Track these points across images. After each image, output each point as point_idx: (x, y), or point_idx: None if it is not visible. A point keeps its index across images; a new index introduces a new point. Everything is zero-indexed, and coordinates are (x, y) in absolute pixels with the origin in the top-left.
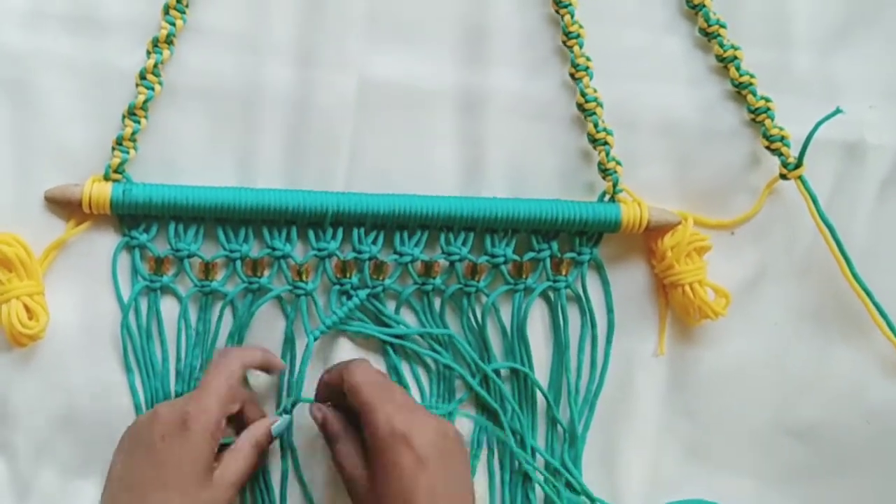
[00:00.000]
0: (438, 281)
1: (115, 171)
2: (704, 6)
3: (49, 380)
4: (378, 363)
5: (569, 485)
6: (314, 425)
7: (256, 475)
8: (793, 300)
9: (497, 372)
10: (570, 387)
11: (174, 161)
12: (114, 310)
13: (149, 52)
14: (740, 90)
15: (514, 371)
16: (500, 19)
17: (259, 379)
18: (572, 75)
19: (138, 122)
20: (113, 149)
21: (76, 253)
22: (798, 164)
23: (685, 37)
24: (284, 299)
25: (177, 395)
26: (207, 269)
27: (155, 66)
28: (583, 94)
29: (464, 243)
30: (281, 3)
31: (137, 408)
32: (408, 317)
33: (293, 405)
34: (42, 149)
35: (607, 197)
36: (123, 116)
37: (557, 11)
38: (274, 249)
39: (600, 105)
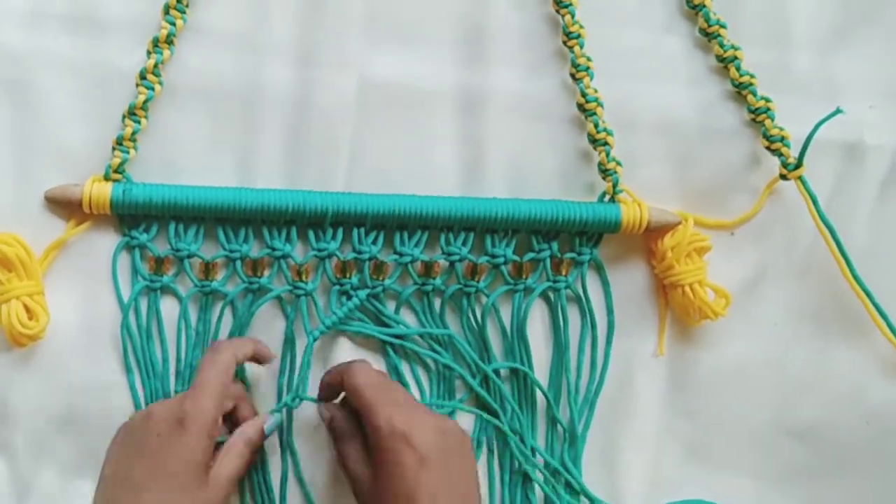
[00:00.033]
0: (438, 281)
1: (116, 171)
2: (705, 6)
3: (49, 380)
4: (378, 363)
5: (568, 485)
6: (314, 426)
7: (256, 475)
8: (793, 300)
9: (497, 372)
10: (570, 387)
11: (174, 161)
12: (114, 310)
13: (149, 53)
14: (740, 90)
15: (513, 371)
16: (500, 19)
17: (252, 370)
18: (573, 75)
19: (138, 122)
20: (113, 149)
21: (76, 253)
22: (798, 165)
23: (685, 37)
24: (284, 299)
25: (176, 395)
26: (207, 269)
27: (155, 66)
28: (583, 95)
29: (464, 243)
30: (281, 3)
31: (137, 408)
32: (408, 317)
33: (294, 401)
34: (42, 149)
35: (607, 197)
36: (123, 116)
37: (558, 11)
38: (274, 249)
39: (601, 105)
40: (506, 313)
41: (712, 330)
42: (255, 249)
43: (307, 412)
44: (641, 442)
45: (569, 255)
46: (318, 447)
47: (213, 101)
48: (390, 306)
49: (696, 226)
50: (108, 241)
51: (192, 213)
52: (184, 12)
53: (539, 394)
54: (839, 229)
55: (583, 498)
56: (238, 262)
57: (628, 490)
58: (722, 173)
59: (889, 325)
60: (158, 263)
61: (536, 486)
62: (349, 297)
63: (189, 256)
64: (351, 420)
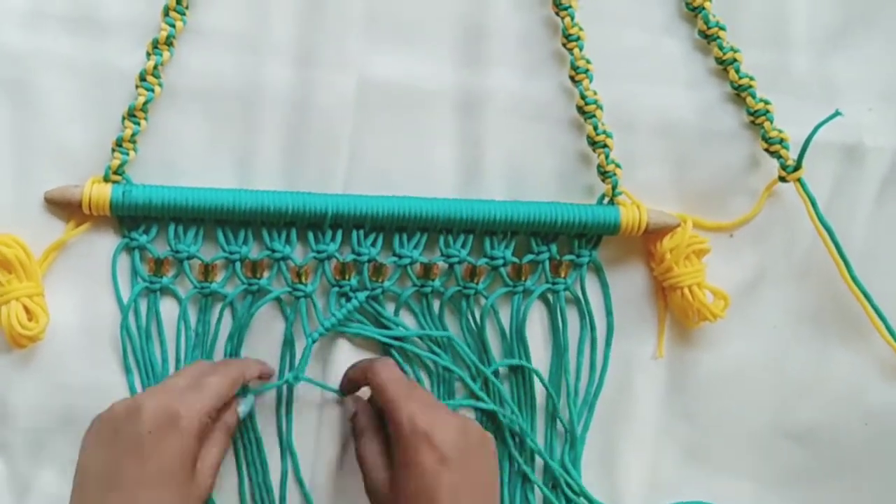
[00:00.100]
0: (437, 283)
1: (115, 173)
2: (704, 9)
3: (49, 380)
4: None
5: (568, 486)
6: (312, 426)
7: (256, 476)
8: (792, 303)
9: (496, 374)
10: (570, 389)
11: (174, 162)
12: (113, 311)
13: (149, 54)
14: (739, 92)
15: (513, 372)
16: (500, 20)
17: None
18: (572, 78)
19: (138, 124)
20: (113, 150)
21: (76, 254)
22: (797, 167)
23: (684, 39)
24: (284, 301)
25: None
26: (207, 270)
27: (155, 67)
28: (582, 97)
29: (463, 245)
30: (281, 3)
31: None
32: (407, 319)
33: (295, 379)
34: (42, 149)
35: (606, 199)
36: (123, 118)
37: (557, 13)
38: (273, 251)
39: (600, 108)
40: (505, 315)
41: (711, 332)
42: (254, 251)
43: (307, 412)
44: (640, 444)
45: (568, 257)
46: (318, 448)
47: (212, 102)
48: (389, 308)
49: (694, 228)
50: (107, 242)
51: (191, 215)
52: (183, 14)
53: (538, 395)
54: (838, 231)
55: (582, 500)
56: (237, 264)
57: (627, 492)
58: (721, 175)
59: (888, 327)
60: (158, 265)
61: (536, 488)
62: (348, 299)
63: (189, 258)
64: (373, 418)
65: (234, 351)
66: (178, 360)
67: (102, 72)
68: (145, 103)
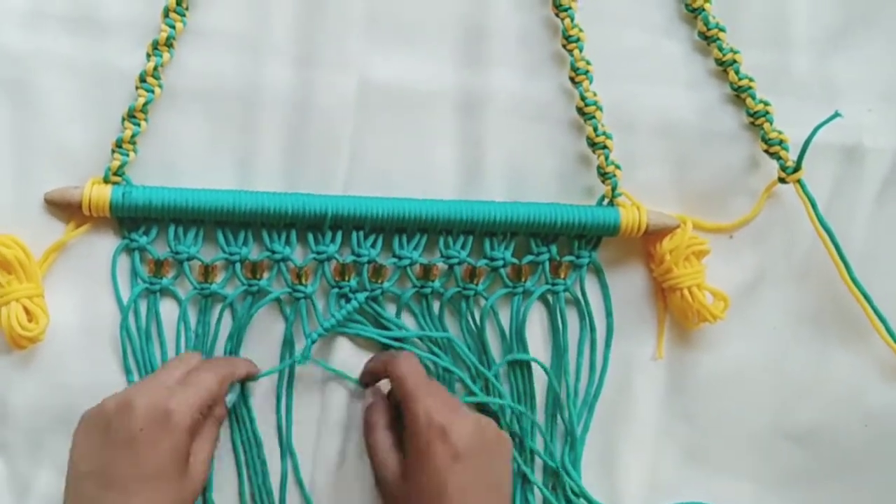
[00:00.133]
0: (437, 284)
1: (115, 174)
2: (704, 10)
3: (49, 381)
4: None
5: (568, 487)
6: (312, 426)
7: (255, 477)
8: (791, 304)
9: (496, 374)
10: (569, 390)
11: (174, 163)
12: (113, 312)
13: (148, 55)
14: (739, 94)
15: (513, 374)
16: (500, 20)
17: None
18: (572, 79)
19: (138, 125)
20: (113, 151)
21: (76, 255)
22: (797, 168)
23: (684, 40)
24: (284, 302)
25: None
26: (207, 271)
27: (155, 68)
28: (582, 98)
29: (462, 247)
30: (281, 4)
31: None
32: (407, 320)
33: (302, 360)
34: (42, 150)
35: (606, 201)
36: (123, 119)
37: (557, 14)
38: (273, 252)
39: (600, 109)
40: (505, 316)
41: (711, 333)
42: (254, 252)
43: (307, 412)
44: (640, 445)
45: (567, 258)
46: (318, 448)
47: (212, 103)
48: (389, 309)
49: (694, 229)
50: (107, 243)
51: (191, 216)
52: (183, 15)
53: (538, 396)
54: (838, 233)
55: (582, 500)
56: (237, 265)
57: (627, 493)
58: (721, 176)
59: (887, 328)
60: (158, 266)
61: (535, 488)
62: (348, 300)
63: (188, 259)
64: (388, 411)
65: (233, 351)
66: None
67: (102, 72)
68: (145, 104)
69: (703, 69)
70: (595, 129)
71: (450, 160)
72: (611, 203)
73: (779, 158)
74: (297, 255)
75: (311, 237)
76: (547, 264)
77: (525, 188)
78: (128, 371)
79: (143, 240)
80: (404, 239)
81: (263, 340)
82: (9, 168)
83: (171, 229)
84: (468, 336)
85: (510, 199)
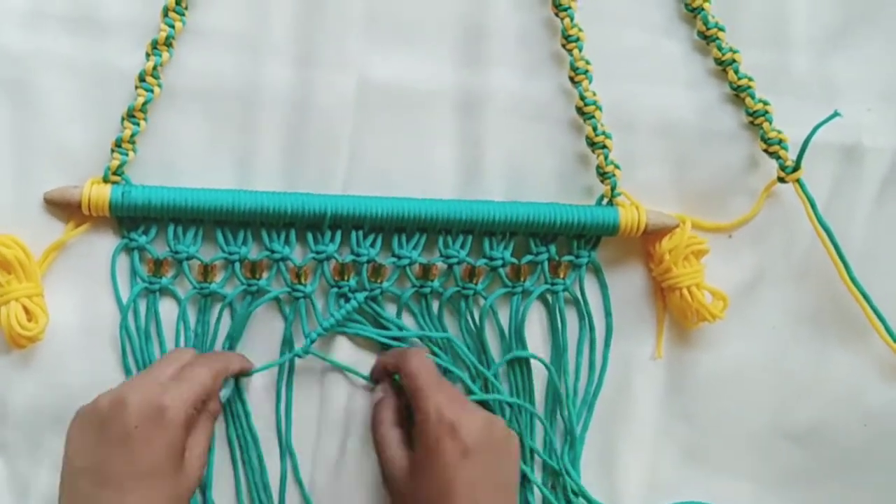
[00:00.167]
0: (436, 284)
1: (115, 174)
2: (703, 9)
3: (48, 380)
4: None
5: (567, 487)
6: (311, 426)
7: (254, 476)
8: (790, 303)
9: (495, 374)
10: (569, 390)
11: (173, 163)
12: (113, 311)
13: (148, 55)
14: (739, 93)
15: (512, 373)
16: (500, 20)
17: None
18: (571, 79)
19: (137, 125)
20: (112, 151)
21: (75, 254)
22: (796, 168)
23: (684, 40)
24: (283, 301)
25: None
26: (206, 271)
27: (154, 68)
28: (582, 98)
29: (462, 246)
30: (280, 3)
31: None
32: (406, 319)
33: (305, 354)
34: (42, 149)
35: (605, 200)
36: (123, 119)
37: (557, 14)
38: (273, 252)
39: (599, 109)
40: (504, 316)
41: (710, 333)
42: (253, 251)
43: (306, 412)
44: (639, 444)
45: (567, 257)
46: (317, 448)
47: (212, 102)
48: (388, 309)
49: (693, 228)
50: (107, 242)
51: (191, 216)
52: (183, 14)
53: (537, 395)
54: (837, 232)
55: (581, 500)
56: (237, 264)
57: (626, 492)
58: (720, 176)
59: (887, 327)
60: (157, 265)
61: (535, 487)
62: (347, 300)
63: (188, 258)
64: (397, 408)
65: (232, 349)
66: None
67: (102, 72)
68: (145, 104)
69: (703, 69)
70: (594, 129)
71: (449, 160)
72: (610, 203)
73: (778, 158)
74: (297, 254)
75: (310, 237)
76: (546, 264)
77: (524, 188)
78: (127, 370)
79: (143, 239)
80: (403, 238)
81: (263, 340)
82: (9, 168)
83: (171, 229)
84: (467, 336)
85: (509, 199)
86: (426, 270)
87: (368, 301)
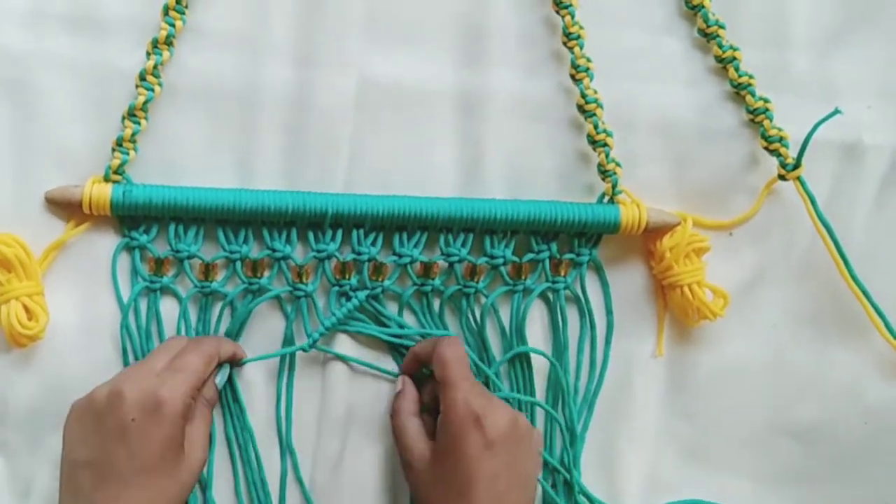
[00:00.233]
0: (437, 282)
1: (115, 173)
2: (703, 7)
3: (49, 380)
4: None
5: (567, 485)
6: (311, 425)
7: (253, 475)
8: (791, 301)
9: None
10: (569, 388)
11: (174, 162)
12: (113, 310)
13: (148, 54)
14: (739, 91)
15: (513, 371)
16: (500, 20)
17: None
18: (572, 76)
19: (138, 124)
20: (113, 150)
21: (76, 254)
22: (796, 165)
23: (684, 38)
24: (284, 300)
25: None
26: (207, 270)
27: (154, 67)
28: (583, 96)
29: (463, 244)
30: (281, 3)
31: None
32: (407, 318)
33: (309, 348)
34: (42, 149)
35: (606, 198)
36: (123, 118)
37: (558, 12)
38: (274, 251)
39: (600, 106)
40: (505, 314)
41: (711, 331)
42: (255, 250)
43: (306, 412)
44: (640, 442)
45: (568, 255)
46: (318, 447)
47: (212, 101)
48: (390, 307)
49: (694, 226)
50: (107, 241)
51: (191, 214)
52: (183, 13)
53: (538, 394)
54: (837, 230)
55: (582, 498)
56: (238, 263)
57: (627, 491)
58: (720, 174)
59: (887, 325)
60: (158, 264)
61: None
62: (348, 298)
63: (189, 257)
64: (417, 401)
65: None
66: None
67: (102, 72)
68: (145, 103)
69: (703, 66)
70: (595, 127)
71: (449, 159)
72: (611, 201)
73: (779, 155)
74: (298, 253)
75: (311, 235)
76: (547, 262)
77: (525, 186)
78: None
79: (144, 238)
80: (405, 237)
81: (264, 339)
82: (9, 167)
83: (172, 228)
84: (468, 334)
85: (510, 198)
86: (427, 269)
87: (370, 300)
